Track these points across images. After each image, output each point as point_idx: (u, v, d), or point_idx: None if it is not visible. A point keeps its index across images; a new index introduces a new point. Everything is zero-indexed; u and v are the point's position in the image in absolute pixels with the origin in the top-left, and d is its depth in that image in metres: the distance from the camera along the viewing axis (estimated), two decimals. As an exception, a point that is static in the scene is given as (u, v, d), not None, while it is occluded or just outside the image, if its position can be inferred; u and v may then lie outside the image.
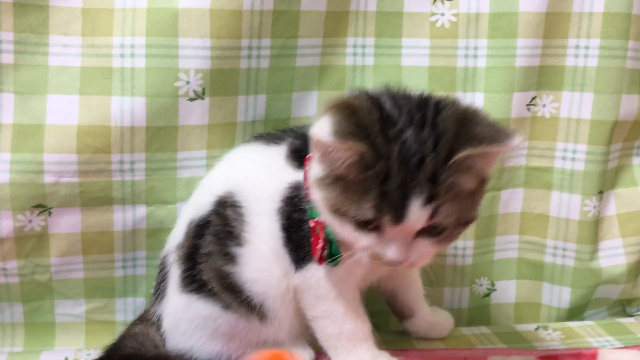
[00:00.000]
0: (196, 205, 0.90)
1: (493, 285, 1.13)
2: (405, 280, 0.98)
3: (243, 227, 0.85)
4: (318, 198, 0.75)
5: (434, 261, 1.07)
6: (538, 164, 1.09)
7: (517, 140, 0.70)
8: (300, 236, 0.82)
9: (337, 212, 0.73)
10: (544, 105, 1.07)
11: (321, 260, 0.80)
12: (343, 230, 0.74)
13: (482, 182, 0.74)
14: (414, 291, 0.99)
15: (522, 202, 1.10)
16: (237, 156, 0.93)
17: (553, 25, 1.03)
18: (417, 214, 0.69)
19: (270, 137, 0.92)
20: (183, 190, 0.98)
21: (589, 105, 1.05)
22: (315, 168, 0.75)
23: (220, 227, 0.86)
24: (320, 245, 0.79)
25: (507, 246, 1.12)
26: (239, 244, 0.85)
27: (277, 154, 0.88)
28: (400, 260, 0.72)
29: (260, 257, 0.85)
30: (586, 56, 1.04)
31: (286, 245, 0.84)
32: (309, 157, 0.79)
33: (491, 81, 1.03)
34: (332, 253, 0.79)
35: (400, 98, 0.75)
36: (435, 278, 1.08)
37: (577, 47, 1.04)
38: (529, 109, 1.07)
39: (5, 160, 0.92)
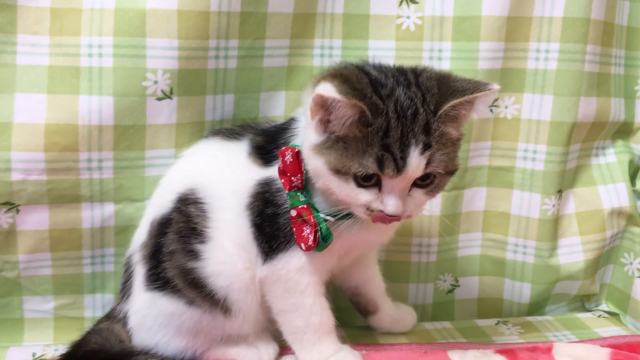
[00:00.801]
0: (158, 204, 0.92)
1: (457, 281, 1.16)
2: (367, 276, 1.01)
3: (206, 223, 0.87)
4: (317, 164, 0.78)
5: (398, 258, 1.12)
6: (500, 164, 1.12)
7: (496, 87, 0.77)
8: (274, 229, 0.85)
9: (338, 172, 0.77)
10: (506, 107, 1.10)
11: (312, 245, 0.81)
12: (343, 190, 0.77)
13: (460, 134, 0.81)
14: (376, 287, 1.01)
15: (484, 200, 1.13)
16: (197, 153, 0.95)
17: (515, 29, 1.05)
18: (416, 162, 0.75)
19: (229, 132, 0.94)
20: (151, 188, 0.99)
21: (548, 107, 1.08)
22: (311, 136, 0.78)
23: (182, 224, 0.88)
24: (309, 231, 0.81)
25: (471, 243, 1.15)
26: (202, 241, 0.87)
27: (239, 149, 0.90)
28: (400, 212, 0.77)
29: (223, 252, 0.87)
30: (546, 59, 1.07)
31: (257, 238, 0.86)
32: (283, 150, 0.83)
33: (455, 82, 1.06)
34: (322, 234, 0.81)
35: (380, 67, 0.82)
36: (400, 274, 1.12)
37: (537, 50, 1.07)
38: (491, 111, 1.09)
39: (-28, 158, 0.93)
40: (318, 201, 0.83)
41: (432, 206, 1.09)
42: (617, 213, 1.14)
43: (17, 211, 0.96)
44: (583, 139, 1.13)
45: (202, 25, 0.96)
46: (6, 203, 0.95)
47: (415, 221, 1.11)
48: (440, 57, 1.06)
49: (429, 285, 1.14)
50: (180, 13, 0.94)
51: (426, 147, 0.75)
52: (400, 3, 1.05)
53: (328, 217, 0.82)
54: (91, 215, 1.00)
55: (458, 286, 1.16)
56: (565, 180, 1.12)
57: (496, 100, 1.09)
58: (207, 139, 0.96)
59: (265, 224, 0.85)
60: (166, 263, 0.88)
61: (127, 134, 0.98)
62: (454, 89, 0.77)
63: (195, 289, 0.87)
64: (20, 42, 0.94)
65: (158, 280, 0.88)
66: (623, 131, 1.17)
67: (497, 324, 1.11)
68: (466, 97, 0.76)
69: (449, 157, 0.78)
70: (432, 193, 0.80)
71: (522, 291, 1.15)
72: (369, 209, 0.78)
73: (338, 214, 0.81)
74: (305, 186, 0.83)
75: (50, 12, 0.94)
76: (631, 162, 1.16)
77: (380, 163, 0.74)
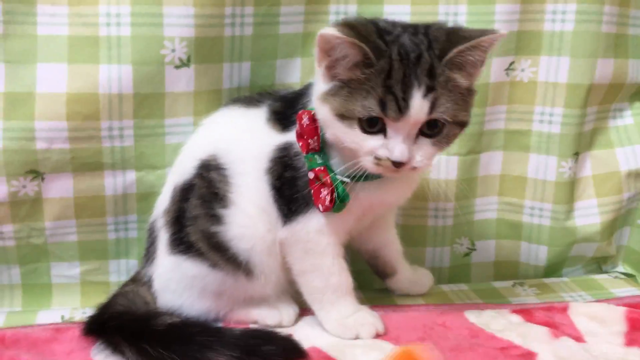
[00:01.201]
0: (180, 171, 0.94)
1: (473, 244, 1.17)
2: (385, 239, 1.02)
3: (227, 188, 0.89)
4: (324, 112, 0.80)
5: (415, 222, 1.13)
6: (516, 127, 1.12)
7: (501, 32, 0.77)
8: (293, 191, 0.87)
9: (343, 117, 0.78)
10: (522, 70, 1.10)
11: (329, 205, 0.83)
12: (349, 136, 0.79)
13: (471, 87, 0.81)
14: (394, 249, 1.03)
15: (501, 164, 1.14)
16: (218, 120, 0.96)
17: (530, -10, 1.05)
18: (419, 104, 0.75)
19: (248, 99, 0.96)
20: (171, 156, 1.01)
21: (565, 69, 1.07)
22: (319, 85, 0.81)
23: (204, 189, 0.90)
24: (327, 192, 0.83)
25: (487, 207, 1.16)
26: (224, 206, 0.89)
27: (258, 116, 0.92)
28: (406, 158, 0.77)
29: (245, 215, 0.89)
30: (563, 21, 1.06)
31: (277, 201, 0.88)
32: (300, 113, 0.84)
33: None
34: (339, 195, 0.83)
35: (393, 21, 0.83)
36: (417, 238, 1.14)
37: (554, 12, 1.06)
38: (507, 74, 1.09)
39: (-3, 128, 0.95)
40: (335, 163, 0.85)
41: (449, 170, 1.11)
42: (635, 175, 1.15)
43: (42, 179, 0.98)
44: (600, 101, 1.12)
45: (218, -9, 0.96)
46: (31, 171, 0.98)
47: (432, 185, 1.12)
48: (456, 20, 1.06)
49: (445, 248, 1.15)
50: (197, -20, 0.95)
51: (429, 89, 0.76)
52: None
53: (345, 179, 0.83)
54: (113, 182, 1.02)
55: (475, 249, 1.17)
56: (582, 143, 1.12)
57: (512, 63, 1.09)
58: (226, 106, 0.98)
59: (284, 187, 0.87)
60: (189, 227, 0.90)
61: (147, 102, 0.99)
62: (460, 37, 0.78)
63: (218, 252, 0.89)
64: (40, 13, 0.95)
65: (181, 244, 0.90)
66: (641, 93, 1.17)
67: (513, 285, 1.12)
68: (471, 43, 0.77)
69: (457, 105, 0.78)
70: (440, 144, 0.80)
71: (538, 254, 1.16)
72: (376, 157, 0.78)
73: (355, 175, 0.82)
74: (322, 148, 0.85)
75: (68, -18, 0.95)
76: (649, 124, 1.16)
77: (383, 105, 0.76)
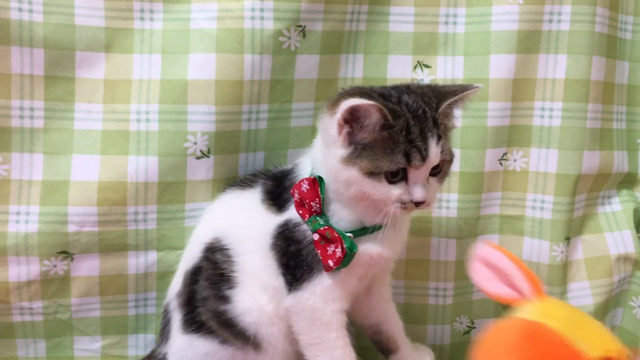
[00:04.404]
0: (189, 256, 1.02)
1: (473, 323, 1.22)
2: (386, 313, 1.08)
3: (232, 268, 0.97)
4: (350, 173, 0.89)
5: (416, 301, 1.19)
6: (510, 213, 1.20)
7: (479, 86, 0.93)
8: (298, 261, 0.94)
9: (372, 174, 0.88)
10: (515, 160, 1.18)
11: (340, 257, 0.90)
12: (377, 190, 0.88)
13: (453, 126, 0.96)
14: (395, 324, 1.08)
15: (497, 247, 1.21)
16: (218, 205, 1.05)
17: (520, 89, 1.14)
18: (435, 151, 0.88)
19: (243, 181, 1.05)
20: (190, 238, 1.08)
21: (554, 160, 1.16)
22: (338, 152, 0.89)
23: (211, 270, 0.98)
24: (335, 246, 0.91)
25: (485, 288, 1.22)
26: (231, 286, 0.96)
27: (253, 196, 1.01)
28: (425, 197, 0.89)
29: (249, 292, 0.96)
30: (551, 117, 1.15)
31: (283, 273, 0.95)
32: (297, 184, 0.93)
33: (466, 138, 1.15)
34: (348, 245, 0.91)
35: (376, 87, 0.95)
36: (418, 316, 1.19)
37: (542, 109, 1.16)
38: (501, 164, 1.18)
39: (35, 212, 1.04)
40: (335, 221, 0.93)
41: (448, 252, 1.18)
42: (624, 259, 1.21)
43: (72, 259, 1.07)
44: (588, 189, 1.20)
45: (236, 92, 1.07)
46: (62, 252, 1.06)
47: (432, 266, 1.19)
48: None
49: (446, 326, 1.21)
50: (218, 83, 1.06)
51: (439, 137, 0.89)
52: (415, 67, 1.16)
53: (348, 234, 0.92)
54: (136, 262, 1.10)
55: (474, 327, 1.22)
56: (572, 228, 1.19)
57: (505, 154, 1.18)
58: (225, 191, 1.07)
59: (290, 260, 0.94)
60: (200, 308, 0.98)
61: (170, 189, 1.08)
62: (446, 91, 0.92)
63: (227, 329, 0.96)
64: (78, 110, 1.06)
65: (194, 323, 0.98)
66: (627, 181, 1.25)
67: (510, 364, 1.17)
68: (459, 96, 0.91)
69: (449, 144, 0.93)
70: (441, 180, 0.93)
71: (534, 333, 1.21)
72: (402, 202, 0.89)
73: (355, 230, 0.92)
74: (322, 210, 0.93)
75: (104, 83, 1.06)
76: (636, 211, 1.23)
77: (408, 156, 0.87)
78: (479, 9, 1.14)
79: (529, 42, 1.13)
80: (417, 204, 0.89)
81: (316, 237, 0.92)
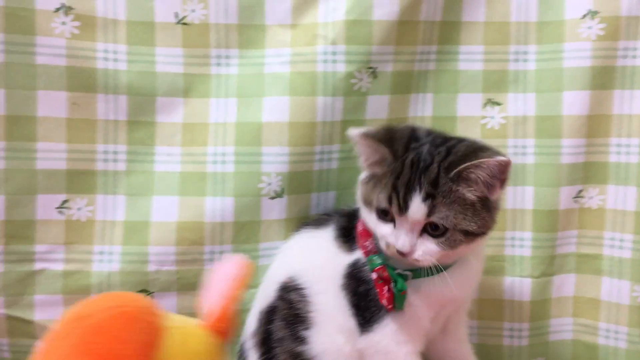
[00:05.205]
0: (264, 295, 1.03)
1: (549, 365, 1.19)
2: (461, 354, 1.06)
3: (308, 308, 0.97)
4: (358, 195, 0.93)
5: (490, 342, 1.17)
6: (587, 251, 1.17)
7: (501, 159, 0.85)
8: (367, 301, 0.94)
9: (367, 202, 0.91)
10: (591, 198, 1.16)
11: (389, 297, 0.90)
12: (370, 221, 0.91)
13: (485, 199, 0.88)
14: None
15: (574, 287, 1.18)
16: (292, 245, 1.06)
17: (595, 126, 1.13)
18: (417, 207, 0.86)
19: (317, 221, 1.07)
20: (264, 277, 1.09)
21: (633, 197, 1.13)
22: (363, 174, 0.94)
23: (286, 310, 0.98)
24: (386, 288, 0.91)
25: (562, 328, 1.19)
26: (307, 327, 0.97)
27: (326, 235, 1.02)
28: (406, 250, 0.87)
29: (325, 332, 0.96)
30: (628, 153, 1.13)
31: (354, 314, 0.95)
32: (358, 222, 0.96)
33: (539, 176, 1.14)
34: (396, 286, 0.91)
35: (435, 131, 0.95)
36: (493, 358, 1.17)
37: (618, 145, 1.13)
38: (576, 201, 1.16)
39: (117, 252, 1.08)
40: (393, 261, 0.92)
41: (522, 292, 1.16)
42: None
43: (152, 297, 1.10)
44: (670, 226, 1.16)
45: (309, 133, 1.09)
46: (143, 290, 1.09)
47: (506, 305, 1.17)
48: (525, 152, 1.15)
49: (522, 369, 1.18)
50: (291, 124, 1.08)
51: (429, 196, 0.86)
52: (485, 105, 1.16)
53: (405, 272, 0.91)
54: (212, 300, 1.13)
55: (551, 370, 1.19)
56: (654, 268, 1.15)
57: (581, 191, 1.15)
58: (298, 230, 1.08)
59: (360, 301, 0.95)
60: (277, 349, 0.98)
61: (245, 229, 1.11)
62: (472, 155, 0.87)
63: (305, 370, 0.97)
64: (158, 153, 1.10)
65: None
66: None
67: (592, 410, 1.13)
68: (474, 162, 0.85)
69: (461, 215, 0.86)
70: (443, 246, 0.87)
71: (616, 377, 1.17)
72: (386, 242, 0.89)
73: (413, 269, 0.91)
74: (378, 249, 0.93)
75: (182, 126, 1.10)
76: None
77: (390, 200, 0.87)
78: (550, 45, 1.13)
79: (603, 78, 1.12)
80: (399, 252, 0.88)
81: (374, 275, 0.93)
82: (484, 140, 1.12)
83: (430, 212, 0.86)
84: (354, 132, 0.91)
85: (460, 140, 0.93)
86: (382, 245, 0.91)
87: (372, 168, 0.92)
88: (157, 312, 0.81)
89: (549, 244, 1.15)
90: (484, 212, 0.89)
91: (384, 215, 0.89)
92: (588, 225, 1.16)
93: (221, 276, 0.90)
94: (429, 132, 0.94)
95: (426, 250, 0.88)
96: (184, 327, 0.85)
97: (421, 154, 0.89)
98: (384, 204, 0.88)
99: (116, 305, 0.79)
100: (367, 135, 0.90)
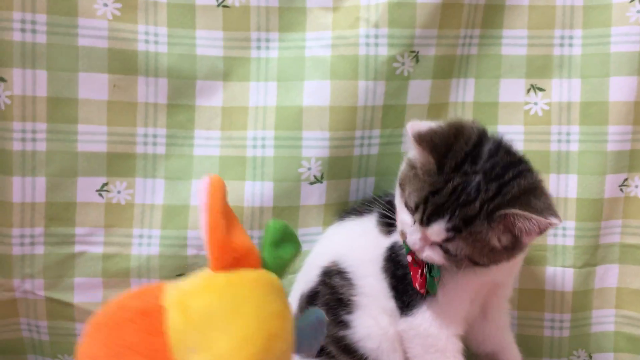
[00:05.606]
0: (305, 280, 1.03)
1: (590, 357, 1.17)
2: (504, 342, 1.04)
3: (351, 292, 0.97)
4: (400, 169, 0.92)
5: (531, 332, 1.15)
6: (632, 242, 1.14)
7: (554, 221, 0.80)
8: (405, 284, 0.93)
9: (401, 185, 0.89)
10: (637, 186, 1.13)
11: (422, 282, 0.90)
12: (398, 202, 0.90)
13: (512, 246, 0.85)
14: (514, 356, 1.04)
15: (617, 277, 1.15)
16: (335, 230, 1.06)
17: (642, 113, 1.10)
18: (437, 230, 0.83)
19: (360, 208, 1.06)
20: (304, 261, 1.09)
21: (680, 186, 1.10)
22: (411, 151, 0.90)
23: (329, 295, 0.98)
24: (420, 272, 0.90)
25: (604, 320, 1.17)
26: (349, 311, 0.96)
27: (369, 221, 1.02)
28: (416, 247, 0.87)
29: (369, 316, 0.96)
30: (676, 141, 1.10)
31: (394, 297, 0.95)
32: None
33: (584, 164, 1.11)
34: (429, 270, 0.90)
35: (501, 149, 0.88)
36: (534, 349, 1.15)
37: (667, 133, 1.11)
38: (621, 190, 1.13)
39: (156, 236, 1.08)
40: None
41: (565, 282, 1.14)
42: None
43: (190, 282, 1.10)
44: None
45: (350, 118, 1.08)
46: (181, 275, 1.09)
47: (548, 296, 1.15)
48: (569, 139, 1.12)
49: (562, 360, 1.16)
50: (332, 109, 1.07)
51: (455, 229, 0.82)
52: (528, 91, 1.13)
53: None
54: (250, 286, 1.12)
55: (592, 362, 1.17)
56: (700, 258, 1.13)
57: (626, 180, 1.13)
58: (341, 217, 1.08)
59: (398, 284, 0.94)
60: None
61: (283, 214, 1.10)
62: (524, 200, 0.82)
63: (347, 355, 0.96)
64: (197, 137, 1.09)
65: None
66: None
67: (636, 402, 1.11)
68: (524, 214, 0.80)
69: (477, 252, 0.84)
70: (448, 262, 0.87)
71: (661, 370, 1.14)
72: (402, 229, 0.89)
73: None
74: None
75: (222, 110, 1.09)
76: None
77: (417, 208, 0.85)
78: (597, 30, 1.10)
79: (652, 64, 1.09)
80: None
81: (409, 258, 0.92)
82: (527, 127, 1.13)
83: (447, 240, 0.84)
84: (410, 128, 0.86)
85: (520, 173, 0.86)
86: (399, 227, 0.90)
87: (416, 163, 0.88)
88: None
89: (593, 234, 1.13)
90: (504, 253, 0.86)
91: (408, 208, 0.88)
92: (633, 214, 1.13)
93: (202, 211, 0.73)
94: (496, 151, 0.87)
95: (434, 255, 0.87)
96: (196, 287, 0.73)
97: (468, 186, 0.83)
98: (411, 205, 0.86)
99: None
100: (420, 140, 0.85)
